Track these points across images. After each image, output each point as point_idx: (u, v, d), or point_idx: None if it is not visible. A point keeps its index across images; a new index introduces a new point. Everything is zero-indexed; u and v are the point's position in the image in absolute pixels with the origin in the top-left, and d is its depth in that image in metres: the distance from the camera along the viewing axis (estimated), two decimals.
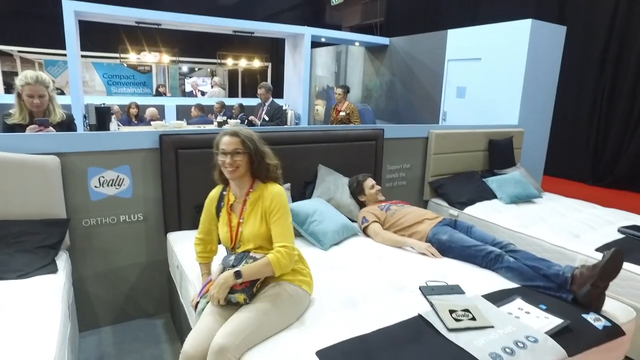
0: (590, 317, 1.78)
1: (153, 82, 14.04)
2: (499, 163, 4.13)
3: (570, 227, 3.06)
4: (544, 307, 1.80)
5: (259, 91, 5.26)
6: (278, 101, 5.42)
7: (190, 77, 15.05)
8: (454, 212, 3.62)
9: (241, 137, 1.83)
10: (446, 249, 2.35)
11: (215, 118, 6.17)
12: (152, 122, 5.42)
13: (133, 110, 6.73)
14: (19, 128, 2.47)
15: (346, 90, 5.31)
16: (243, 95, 14.79)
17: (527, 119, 4.53)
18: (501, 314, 1.71)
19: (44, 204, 2.28)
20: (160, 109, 7.88)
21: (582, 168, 7.00)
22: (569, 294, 1.89)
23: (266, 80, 13.85)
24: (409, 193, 3.85)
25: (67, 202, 2.39)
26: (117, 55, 8.85)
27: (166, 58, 8.12)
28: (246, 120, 5.45)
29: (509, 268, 2.09)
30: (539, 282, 1.99)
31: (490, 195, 3.74)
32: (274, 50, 12.85)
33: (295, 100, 6.08)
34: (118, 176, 2.53)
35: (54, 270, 2.06)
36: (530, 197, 3.72)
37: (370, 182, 2.95)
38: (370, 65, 6.88)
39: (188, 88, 14.71)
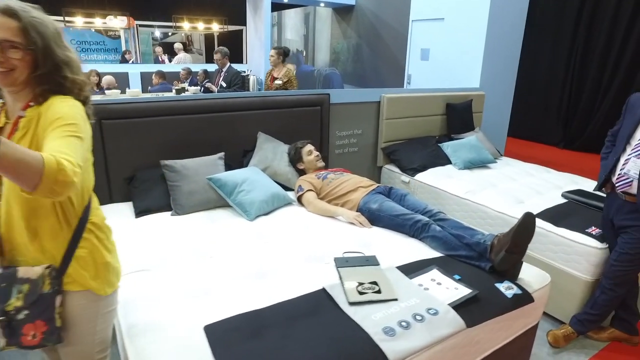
0: (503, 286, 1.76)
1: (123, 48, 13.47)
2: (457, 128, 4.05)
3: (517, 193, 3.03)
4: (457, 277, 1.78)
5: (215, 56, 5.05)
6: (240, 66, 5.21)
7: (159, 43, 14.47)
8: (405, 178, 3.57)
9: (23, 22, 1.07)
10: (376, 218, 2.31)
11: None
12: (106, 91, 5.19)
13: (93, 79, 6.44)
14: None
15: (282, 52, 4.63)
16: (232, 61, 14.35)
17: (489, 81, 4.41)
18: (410, 286, 1.68)
19: None
20: (124, 76, 7.58)
21: (553, 131, 6.97)
22: (487, 262, 1.87)
23: (242, 45, 13.40)
24: (362, 159, 3.78)
25: None
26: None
27: (118, 22, 7.69)
28: (202, 88, 5.25)
29: (434, 237, 2.05)
30: (462, 251, 1.96)
31: (445, 160, 3.69)
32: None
33: (258, 65, 5.85)
34: None
35: None
36: (485, 162, 3.67)
37: (308, 147, 2.87)
38: (337, 27, 6.62)
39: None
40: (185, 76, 7.08)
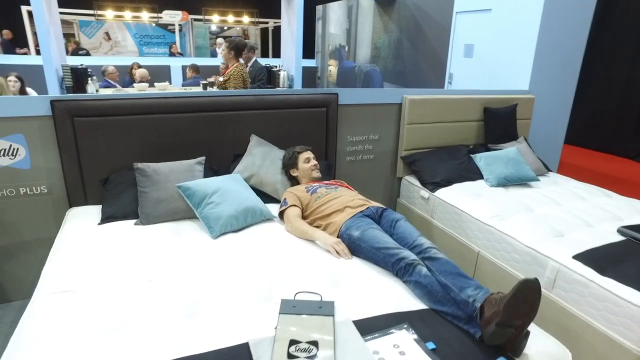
0: None
1: (177, 41, 13.89)
2: (495, 136, 3.47)
3: (558, 222, 2.46)
4: (431, 346, 1.35)
5: (244, 50, 4.82)
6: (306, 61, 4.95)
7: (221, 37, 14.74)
8: (424, 193, 3.09)
9: None
10: (356, 248, 1.92)
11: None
12: (134, 85, 5.20)
13: (135, 71, 6.59)
14: None
15: (233, 45, 3.96)
16: (274, 56, 14.35)
17: (541, 83, 3.74)
18: (361, 353, 1.29)
19: None
20: (167, 69, 7.70)
21: (630, 142, 5.97)
22: (477, 329, 1.41)
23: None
24: (378, 169, 3.35)
25: None
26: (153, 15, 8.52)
27: (172, 17, 7.77)
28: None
29: (418, 283, 1.63)
30: (448, 307, 1.52)
31: (476, 175, 3.16)
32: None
33: (290, 60, 5.58)
34: (11, 145, 2.30)
35: None
36: (525, 180, 3.08)
37: (307, 154, 2.53)
38: (379, 20, 6.14)
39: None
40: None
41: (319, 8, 8.13)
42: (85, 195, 2.43)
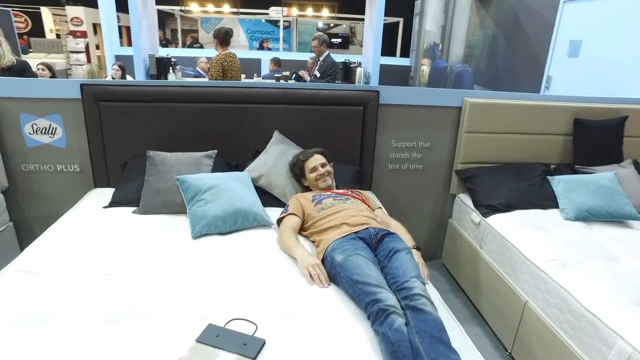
0: None
1: (280, 37, 14.36)
2: (588, 156, 2.73)
3: None
4: None
5: (313, 43, 4.66)
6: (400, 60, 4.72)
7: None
8: (476, 217, 2.55)
9: None
10: (335, 276, 1.58)
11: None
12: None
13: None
14: None
15: (215, 34, 3.94)
16: (382, 54, 14.05)
17: None
18: None
19: None
20: (257, 62, 7.98)
21: None
22: None
23: (397, 38, 12.76)
24: (428, 182, 2.88)
25: (3, 145, 2.44)
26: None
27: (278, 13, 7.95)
28: (294, 75, 4.95)
29: (385, 337, 1.25)
30: None
31: (549, 202, 2.52)
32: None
33: (369, 56, 5.25)
34: (50, 124, 2.46)
35: None
36: (617, 216, 2.36)
37: (314, 162, 2.19)
38: (475, 15, 5.43)
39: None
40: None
41: (417, 3, 7.60)
42: (108, 178, 2.49)
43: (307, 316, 1.41)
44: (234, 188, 2.06)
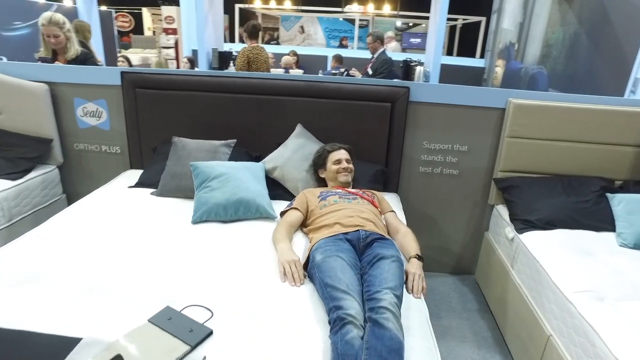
0: None
1: (355, 36, 14.24)
2: None
3: None
4: None
5: (367, 39, 4.55)
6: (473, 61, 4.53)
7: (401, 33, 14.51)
8: (509, 232, 2.27)
9: None
10: (312, 275, 1.49)
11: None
12: (275, 69, 5.55)
13: (292, 58, 7.10)
14: (44, 60, 2.90)
15: (245, 27, 4.15)
16: (459, 54, 13.38)
17: None
18: None
19: (34, 124, 2.65)
20: (323, 59, 8.03)
21: None
22: None
23: (478, 37, 12.00)
24: (463, 189, 2.63)
25: (60, 126, 2.72)
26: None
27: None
28: (346, 72, 4.84)
29: (335, 348, 1.15)
30: None
31: (604, 224, 2.16)
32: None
33: (430, 55, 4.98)
34: (97, 108, 2.68)
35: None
36: None
37: (339, 155, 2.15)
38: (557, 10, 4.84)
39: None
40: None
41: (496, 0, 7.05)
42: (142, 160, 2.65)
43: (270, 313, 1.34)
44: (241, 178, 2.06)
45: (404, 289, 1.53)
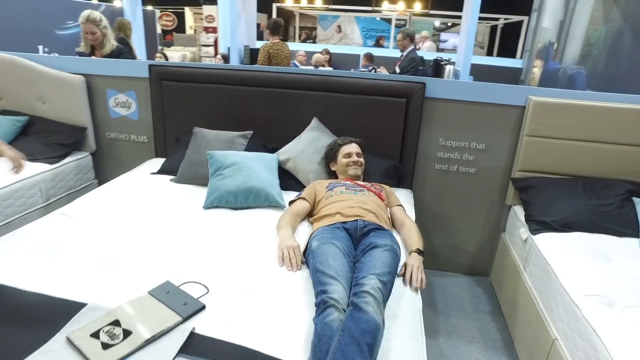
0: None
1: (391, 35, 14.06)
2: None
3: None
4: None
5: (397, 37, 4.52)
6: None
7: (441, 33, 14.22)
8: (523, 233, 2.21)
9: None
10: (308, 261, 1.53)
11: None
12: (302, 66, 5.63)
13: (325, 57, 7.18)
14: (82, 55, 3.10)
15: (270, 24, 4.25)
16: (499, 54, 12.97)
17: None
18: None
19: (72, 113, 2.86)
20: (356, 57, 8.04)
21: None
22: None
23: (519, 37, 11.58)
24: (480, 188, 2.58)
25: (94, 115, 2.92)
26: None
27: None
28: (373, 70, 4.83)
29: (315, 329, 1.18)
30: None
31: (627, 229, 2.06)
32: None
33: (461, 53, 4.88)
34: (127, 99, 2.85)
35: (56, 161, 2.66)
36: None
37: (349, 148, 2.18)
38: (600, 6, 4.59)
39: (441, 44, 13.64)
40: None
41: None
42: (166, 149, 2.79)
43: (262, 294, 1.40)
44: (253, 167, 2.13)
45: (400, 279, 1.54)
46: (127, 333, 1.14)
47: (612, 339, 1.39)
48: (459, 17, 12.99)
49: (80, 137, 2.86)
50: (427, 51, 8.55)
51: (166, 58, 5.75)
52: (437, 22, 14.08)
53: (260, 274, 1.51)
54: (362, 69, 5.61)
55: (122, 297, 1.31)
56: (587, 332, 1.48)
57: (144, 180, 2.36)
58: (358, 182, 2.08)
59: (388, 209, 1.96)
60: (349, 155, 2.15)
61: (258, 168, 2.14)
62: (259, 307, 1.33)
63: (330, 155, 2.23)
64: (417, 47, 9.19)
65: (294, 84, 2.49)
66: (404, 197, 2.36)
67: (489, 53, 13.73)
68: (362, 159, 2.17)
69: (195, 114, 2.65)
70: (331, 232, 1.59)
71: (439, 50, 12.71)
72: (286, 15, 15.85)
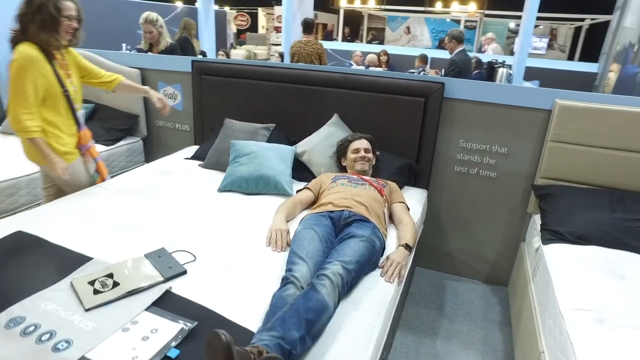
0: None
1: (477, 37, 13.53)
2: None
3: None
4: (175, 352, 1.11)
5: (445, 39, 4.43)
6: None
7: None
8: (536, 242, 2.12)
9: None
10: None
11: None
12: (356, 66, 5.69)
13: (383, 58, 7.18)
14: (139, 51, 3.48)
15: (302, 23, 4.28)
16: (583, 58, 11.96)
17: None
18: (117, 319, 1.22)
19: (128, 102, 3.24)
20: (412, 59, 7.93)
21: None
22: None
23: (602, 40, 10.57)
24: (501, 194, 2.49)
25: (146, 105, 3.28)
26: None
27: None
28: (422, 72, 4.74)
29: (270, 302, 1.29)
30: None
31: None
32: None
33: (517, 55, 4.64)
34: (174, 91, 3.16)
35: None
36: None
37: (358, 144, 2.25)
38: None
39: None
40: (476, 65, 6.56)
41: None
42: (203, 138, 3.05)
43: (243, 268, 1.53)
44: (267, 157, 2.28)
45: (378, 271, 1.59)
46: (115, 284, 1.35)
47: (589, 356, 1.32)
48: (539, 18, 12.15)
49: (133, 123, 3.23)
50: (492, 54, 8.17)
51: (228, 56, 6.16)
52: (512, 24, 13.30)
53: (247, 251, 1.65)
54: (411, 70, 5.55)
55: (123, 256, 1.53)
56: (565, 346, 1.42)
57: (177, 164, 2.63)
58: (363, 176, 2.14)
59: (387, 205, 2.00)
60: (357, 150, 2.22)
61: (272, 158, 2.29)
62: (235, 278, 1.47)
63: (341, 151, 2.31)
64: (483, 49, 8.83)
65: (318, 81, 2.60)
66: (416, 197, 2.38)
67: (571, 57, 12.70)
68: (370, 155, 2.22)
69: (229, 107, 2.87)
70: (316, 219, 1.68)
71: (512, 54, 12.00)
72: (356, 16, 15.97)
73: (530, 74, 6.88)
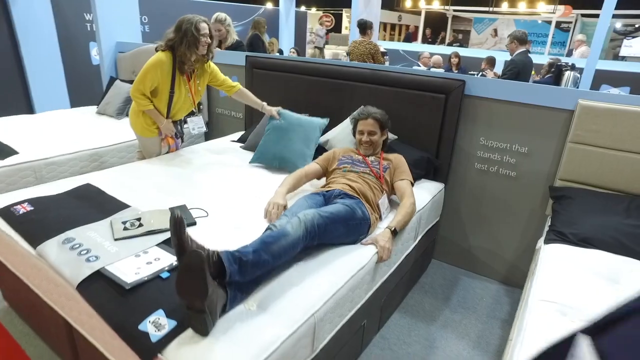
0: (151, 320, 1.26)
1: (568, 40, 12.48)
2: None
3: None
4: (166, 275, 1.43)
5: (507, 40, 4.32)
6: None
7: (631, 38, 12.04)
8: (539, 242, 2.12)
9: None
10: None
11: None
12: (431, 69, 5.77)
13: (454, 60, 7.09)
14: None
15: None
16: None
17: None
18: (131, 245, 1.59)
19: None
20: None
21: None
22: None
23: None
24: (520, 193, 2.48)
25: (209, 94, 3.77)
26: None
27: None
28: (480, 73, 4.62)
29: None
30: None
31: None
32: None
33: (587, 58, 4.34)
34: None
35: None
36: None
37: (362, 125, 2.27)
38: None
39: (626, 51, 11.39)
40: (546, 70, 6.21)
41: None
42: (252, 124, 3.42)
43: (245, 225, 1.83)
44: (294, 140, 2.57)
45: (353, 243, 1.77)
46: (140, 225, 1.72)
47: (532, 343, 1.39)
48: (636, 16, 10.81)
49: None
50: (579, 57, 7.57)
51: (298, 54, 6.59)
52: (618, 24, 12.00)
53: (255, 217, 1.93)
54: (471, 72, 5.44)
55: (152, 207, 1.91)
56: (520, 332, 1.49)
57: (223, 145, 3.03)
58: (367, 159, 2.24)
59: (385, 191, 2.12)
60: (361, 132, 2.27)
61: (295, 140, 2.57)
62: (236, 231, 1.77)
63: (353, 128, 2.40)
64: (574, 53, 8.17)
65: (349, 76, 2.81)
66: (429, 189, 2.47)
67: None
68: (374, 137, 2.22)
69: (274, 97, 3.18)
70: (312, 196, 1.92)
71: (617, 57, 10.78)
72: (440, 18, 15.59)
73: (622, 79, 6.27)
